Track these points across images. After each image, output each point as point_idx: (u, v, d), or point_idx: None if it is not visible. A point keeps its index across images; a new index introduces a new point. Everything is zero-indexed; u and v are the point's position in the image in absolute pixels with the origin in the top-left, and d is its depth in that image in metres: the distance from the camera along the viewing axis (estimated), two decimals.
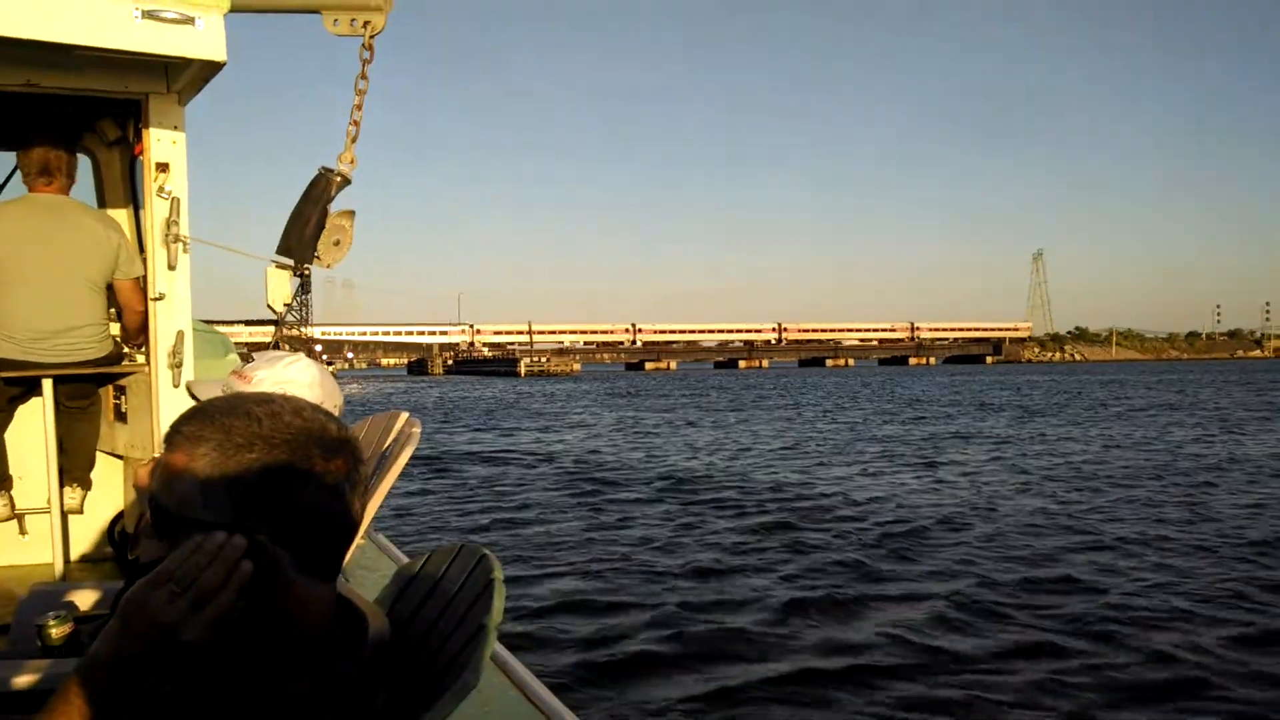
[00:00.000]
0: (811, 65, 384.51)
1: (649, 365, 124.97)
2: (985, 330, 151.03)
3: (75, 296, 3.68)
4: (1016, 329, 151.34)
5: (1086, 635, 6.84)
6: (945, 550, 9.81)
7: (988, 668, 6.21)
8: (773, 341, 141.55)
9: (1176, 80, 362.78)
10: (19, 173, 3.76)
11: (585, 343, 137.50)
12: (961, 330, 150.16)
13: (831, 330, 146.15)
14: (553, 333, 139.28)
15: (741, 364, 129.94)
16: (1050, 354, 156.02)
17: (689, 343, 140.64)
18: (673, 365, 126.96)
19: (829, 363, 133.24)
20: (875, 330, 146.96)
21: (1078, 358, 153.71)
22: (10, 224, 3.62)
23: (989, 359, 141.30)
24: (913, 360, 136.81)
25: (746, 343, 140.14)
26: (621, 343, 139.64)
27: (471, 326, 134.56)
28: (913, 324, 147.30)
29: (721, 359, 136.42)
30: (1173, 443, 21.22)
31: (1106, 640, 6.72)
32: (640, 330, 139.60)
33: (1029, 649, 6.58)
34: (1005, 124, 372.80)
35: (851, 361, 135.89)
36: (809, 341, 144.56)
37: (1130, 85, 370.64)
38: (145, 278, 3.57)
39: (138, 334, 3.86)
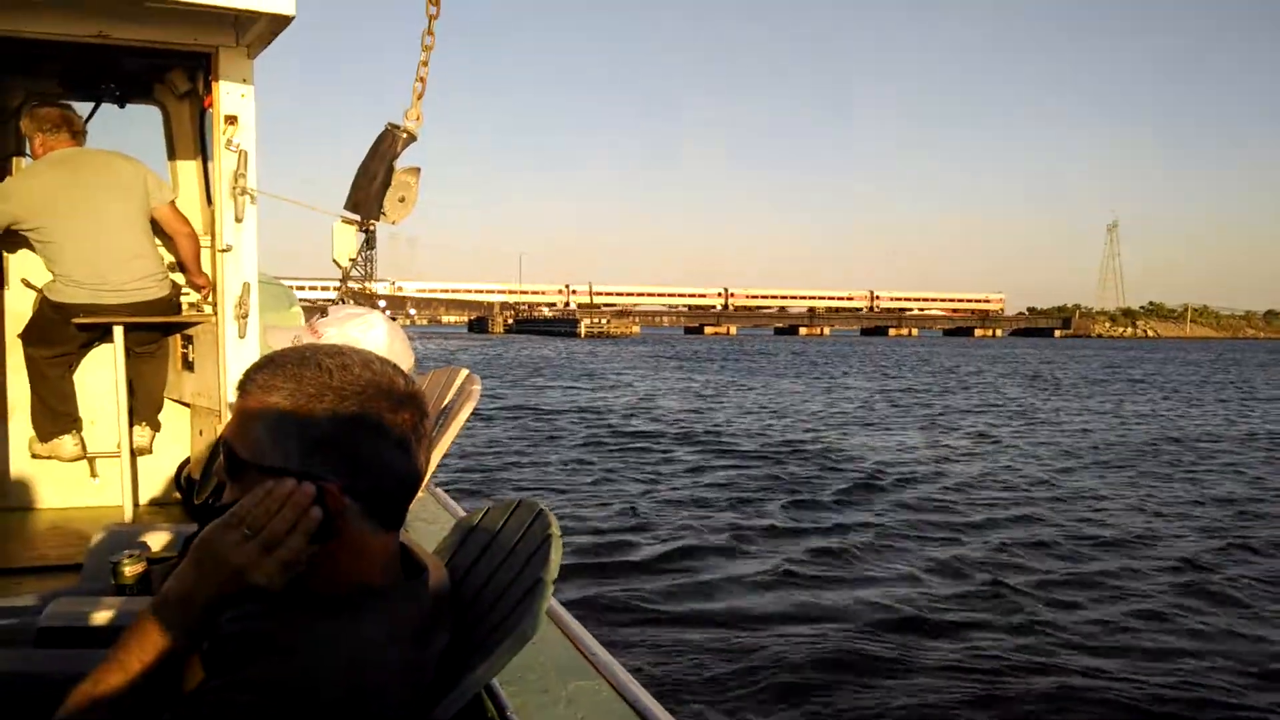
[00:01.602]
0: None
1: (708, 329, 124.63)
2: (959, 302, 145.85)
3: (124, 232, 3.81)
4: (988, 300, 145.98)
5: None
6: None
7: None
8: (821, 311, 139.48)
9: (1261, 48, 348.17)
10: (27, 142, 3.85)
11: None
12: (929, 301, 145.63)
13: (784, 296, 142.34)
14: (499, 292, 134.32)
15: (802, 331, 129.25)
16: (1122, 329, 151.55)
17: (749, 308, 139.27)
18: (733, 330, 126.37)
19: (891, 332, 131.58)
20: (832, 298, 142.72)
21: (1150, 334, 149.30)
22: (42, 184, 3.73)
23: (1057, 333, 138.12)
24: (978, 332, 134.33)
25: (810, 310, 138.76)
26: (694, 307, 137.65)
27: (392, 283, 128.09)
28: (872, 292, 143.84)
29: (781, 325, 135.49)
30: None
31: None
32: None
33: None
34: (1084, 90, 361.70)
35: (915, 331, 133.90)
36: (879, 311, 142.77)
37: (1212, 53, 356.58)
38: (214, 234, 3.63)
39: (196, 264, 3.97)
